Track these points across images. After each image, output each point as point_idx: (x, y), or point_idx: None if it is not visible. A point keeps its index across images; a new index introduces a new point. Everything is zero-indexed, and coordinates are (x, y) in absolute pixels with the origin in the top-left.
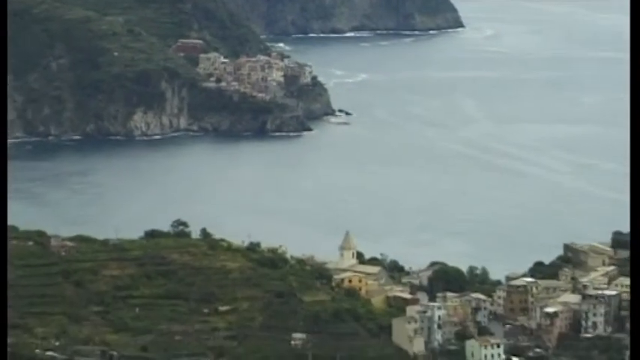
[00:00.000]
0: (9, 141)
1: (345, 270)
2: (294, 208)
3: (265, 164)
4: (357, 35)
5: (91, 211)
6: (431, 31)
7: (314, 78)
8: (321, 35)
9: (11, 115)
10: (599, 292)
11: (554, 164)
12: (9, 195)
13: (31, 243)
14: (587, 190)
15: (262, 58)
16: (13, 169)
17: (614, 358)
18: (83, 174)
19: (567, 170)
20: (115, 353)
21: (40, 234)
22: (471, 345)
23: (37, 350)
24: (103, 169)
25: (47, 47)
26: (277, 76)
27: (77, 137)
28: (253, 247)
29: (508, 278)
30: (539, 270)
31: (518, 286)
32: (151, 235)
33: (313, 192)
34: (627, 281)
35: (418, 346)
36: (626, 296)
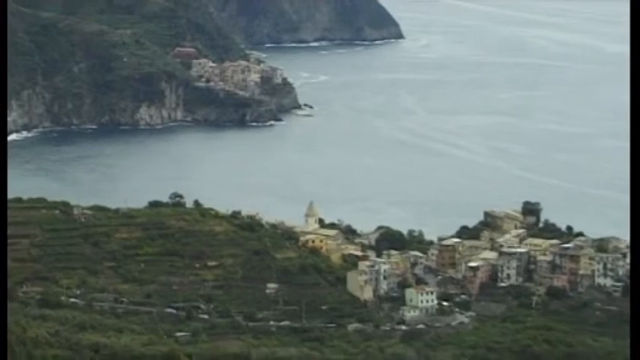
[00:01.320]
0: (39, 130)
1: (309, 233)
2: (267, 183)
3: (245, 148)
4: (319, 45)
5: (104, 185)
6: (377, 42)
7: (284, 79)
8: (290, 45)
9: (40, 109)
10: (512, 250)
11: (475, 147)
12: (37, 173)
13: (57, 211)
14: (502, 168)
15: (242, 62)
16: (42, 152)
17: (523, 302)
18: (98, 156)
19: (485, 152)
20: (124, 299)
21: (65, 204)
22: (409, 292)
23: (62, 297)
24: (115, 153)
25: (70, 54)
26: (255, 77)
27: (94, 127)
28: (235, 215)
29: (439, 239)
30: (464, 232)
31: (448, 246)
32: (153, 205)
33: (283, 170)
34: (535, 241)
35: (368, 294)
36: (534, 253)
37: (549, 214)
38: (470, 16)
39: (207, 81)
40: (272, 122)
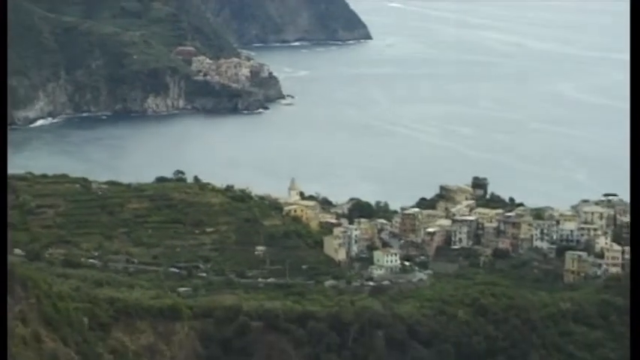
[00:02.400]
0: (63, 117)
1: (291, 204)
2: (256, 161)
3: (237, 132)
4: (299, 44)
5: (118, 163)
6: (349, 42)
7: (270, 73)
8: (275, 44)
9: (63, 99)
10: (463, 218)
11: (431, 130)
12: (61, 153)
13: (77, 185)
14: (453, 148)
15: (235, 59)
16: (65, 135)
17: (472, 262)
18: (112, 138)
19: (439, 134)
20: (135, 260)
21: (84, 179)
22: (376, 254)
23: (82, 259)
24: (127, 135)
25: (88, 52)
26: (245, 72)
27: (109, 114)
28: (229, 188)
29: (402, 209)
30: (422, 203)
31: (409, 214)
32: (159, 180)
33: (270, 150)
34: (482, 210)
35: (341, 255)
36: (482, 221)
37: (492, 187)
38: (428, 21)
39: (205, 75)
40: (260, 110)
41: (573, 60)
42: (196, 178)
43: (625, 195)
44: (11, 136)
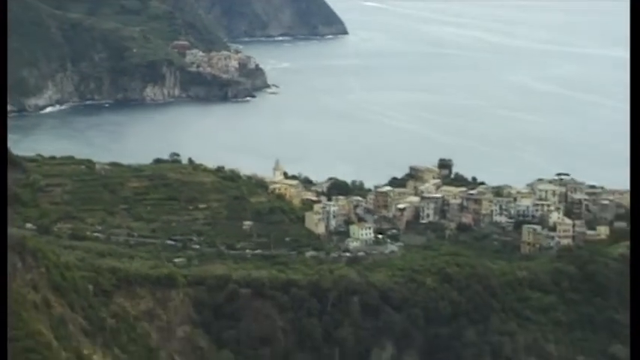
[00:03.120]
0: (69, 104)
1: (275, 182)
2: (244, 144)
3: (227, 118)
4: (283, 39)
5: (119, 146)
6: (328, 36)
7: (257, 65)
8: (261, 39)
9: (70, 88)
10: (431, 195)
11: (401, 116)
12: (67, 136)
13: (82, 167)
14: (421, 132)
15: (225, 52)
16: (70, 122)
17: (439, 235)
18: (114, 124)
19: (409, 120)
20: (135, 234)
21: (89, 161)
22: (352, 228)
23: (87, 232)
24: (127, 121)
25: (92, 46)
26: (234, 63)
27: (111, 102)
28: (220, 169)
29: (375, 187)
30: (394, 182)
31: (382, 192)
32: (157, 161)
33: (256, 134)
34: (448, 188)
35: (321, 229)
36: (447, 198)
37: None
38: (400, 18)
39: (198, 67)
40: (248, 98)
41: (529, 52)
42: (190, 160)
43: (574, 173)
44: (22, 122)
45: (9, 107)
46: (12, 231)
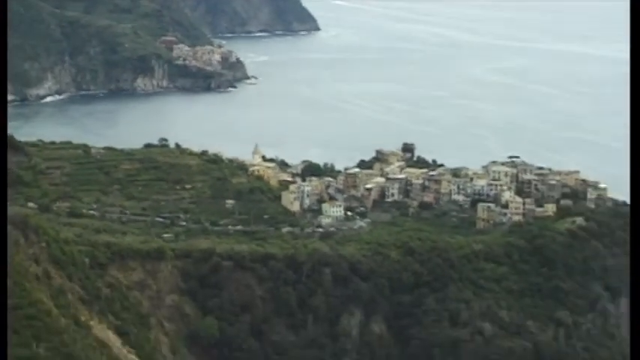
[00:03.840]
0: (67, 94)
1: (255, 165)
2: (225, 130)
3: (210, 107)
4: (261, 35)
5: (112, 132)
6: (302, 32)
7: (237, 58)
8: (242, 35)
9: (68, 79)
10: (395, 176)
11: (369, 105)
12: (65, 123)
13: (79, 151)
14: (387, 119)
15: (208, 47)
16: (68, 110)
17: (403, 212)
18: (108, 112)
19: (376, 108)
20: (127, 212)
21: (85, 146)
22: (324, 206)
23: (84, 210)
24: (119, 109)
25: (88, 41)
26: (217, 57)
27: (105, 92)
28: (204, 153)
29: (345, 169)
30: (362, 164)
31: (351, 174)
32: (147, 146)
33: (237, 121)
34: (411, 170)
35: (296, 207)
36: (410, 178)
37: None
38: (369, 16)
39: (184, 60)
40: (229, 89)
41: (489, 48)
42: (177, 145)
43: (525, 156)
44: (25, 110)
45: (12, 97)
46: (15, 209)
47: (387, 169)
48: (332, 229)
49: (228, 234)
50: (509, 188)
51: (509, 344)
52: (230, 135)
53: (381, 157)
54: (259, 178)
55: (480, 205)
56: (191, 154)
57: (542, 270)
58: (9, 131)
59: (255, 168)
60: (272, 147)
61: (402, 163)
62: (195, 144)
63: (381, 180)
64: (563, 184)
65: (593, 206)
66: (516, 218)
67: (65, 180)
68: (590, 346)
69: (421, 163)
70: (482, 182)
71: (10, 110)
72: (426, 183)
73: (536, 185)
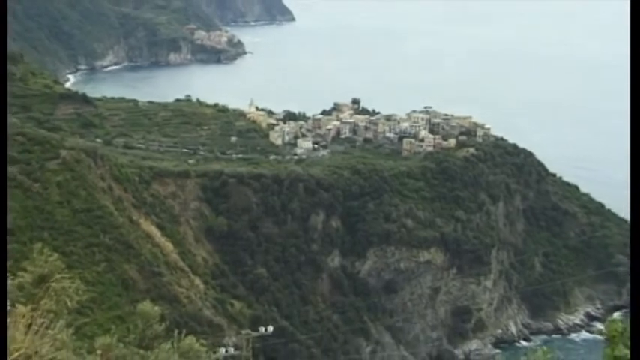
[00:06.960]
0: (122, 65)
1: (250, 113)
2: (231, 89)
3: (220, 73)
4: (256, 24)
5: (153, 90)
6: (283, 22)
7: (238, 40)
8: (241, 24)
9: (122, 54)
10: (347, 120)
11: (332, 70)
12: (121, 85)
13: (130, 104)
14: (344, 80)
15: (218, 32)
16: (123, 76)
17: (352, 145)
18: (150, 77)
19: (336, 72)
20: (164, 145)
21: (134, 100)
22: (299, 141)
23: (134, 144)
24: (158, 76)
25: (136, 29)
26: (224, 39)
27: (148, 63)
28: (216, 105)
29: (313, 115)
30: (325, 112)
31: (317, 119)
32: (177, 100)
33: (239, 83)
34: (358, 116)
35: (279, 142)
36: (357, 122)
37: (363, 103)
38: (341, 13)
39: (202, 41)
40: (233, 61)
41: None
42: (197, 99)
43: (437, 106)
44: (93, 76)
45: (85, 67)
46: (88, 143)
47: (342, 116)
48: (304, 157)
49: (232, 160)
50: (425, 128)
51: (424, 234)
52: (234, 92)
53: (337, 107)
54: (254, 122)
55: (405, 140)
56: (207, 105)
57: (447, 184)
58: (83, 90)
59: (251, 115)
60: (263, 100)
61: (352, 112)
62: (210, 98)
63: (337, 123)
64: (460, 125)
65: (481, 141)
66: (429, 149)
67: (121, 123)
68: (478, 235)
69: (365, 112)
70: (406, 124)
71: (83, 77)
72: (368, 125)
73: (442, 126)
